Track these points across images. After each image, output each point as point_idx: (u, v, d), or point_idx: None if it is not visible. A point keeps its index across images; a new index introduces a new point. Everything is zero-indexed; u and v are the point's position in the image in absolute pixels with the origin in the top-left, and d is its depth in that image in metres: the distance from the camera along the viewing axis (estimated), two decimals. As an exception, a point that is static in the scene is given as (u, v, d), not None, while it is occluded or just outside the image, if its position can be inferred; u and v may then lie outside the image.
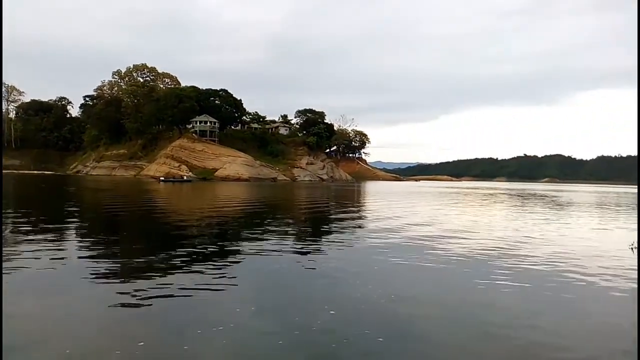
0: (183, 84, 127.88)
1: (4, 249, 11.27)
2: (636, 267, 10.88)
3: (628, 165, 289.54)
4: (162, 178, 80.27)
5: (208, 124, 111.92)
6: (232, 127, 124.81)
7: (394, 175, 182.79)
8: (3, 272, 8.59)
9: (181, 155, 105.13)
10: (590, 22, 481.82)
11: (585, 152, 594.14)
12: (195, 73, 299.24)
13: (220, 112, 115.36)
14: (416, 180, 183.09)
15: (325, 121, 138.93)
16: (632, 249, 13.48)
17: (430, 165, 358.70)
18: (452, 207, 32.66)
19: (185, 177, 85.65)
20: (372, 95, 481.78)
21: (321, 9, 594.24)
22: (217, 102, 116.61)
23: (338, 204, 34.13)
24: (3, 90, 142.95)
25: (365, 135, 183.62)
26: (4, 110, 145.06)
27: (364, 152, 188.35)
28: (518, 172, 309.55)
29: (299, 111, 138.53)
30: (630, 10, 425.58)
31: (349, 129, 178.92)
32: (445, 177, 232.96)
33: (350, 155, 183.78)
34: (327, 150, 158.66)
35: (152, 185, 59.76)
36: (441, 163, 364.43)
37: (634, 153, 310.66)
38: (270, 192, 50.59)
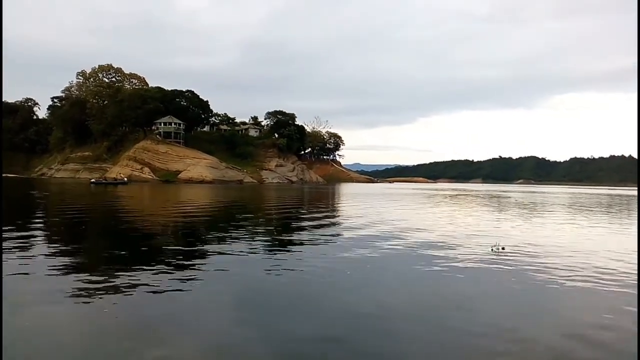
0: (154, 86, 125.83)
1: None
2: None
3: (600, 167, 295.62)
4: (93, 180, 75.19)
5: (173, 125, 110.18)
6: (200, 128, 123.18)
7: (368, 177, 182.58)
8: None
9: (144, 157, 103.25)
10: (562, 28, 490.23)
11: (558, 154, 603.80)
12: (169, 75, 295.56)
13: (186, 114, 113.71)
14: (390, 182, 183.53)
15: (296, 123, 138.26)
16: (493, 249, 12.82)
17: (407, 167, 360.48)
18: (405, 207, 32.68)
19: (118, 179, 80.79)
20: (350, 97, 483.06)
21: (298, 13, 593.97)
22: (183, 103, 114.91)
23: (291, 205, 33.31)
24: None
25: (339, 137, 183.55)
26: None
27: (338, 154, 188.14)
28: (493, 174, 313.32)
29: (269, 113, 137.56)
30: (598, 17, 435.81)
31: (323, 131, 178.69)
32: (421, 179, 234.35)
33: (325, 157, 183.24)
34: (302, 152, 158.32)
35: (82, 189, 54.84)
36: (418, 165, 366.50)
37: (606, 155, 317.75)
38: (228, 194, 49.34)
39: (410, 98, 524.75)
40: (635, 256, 12.80)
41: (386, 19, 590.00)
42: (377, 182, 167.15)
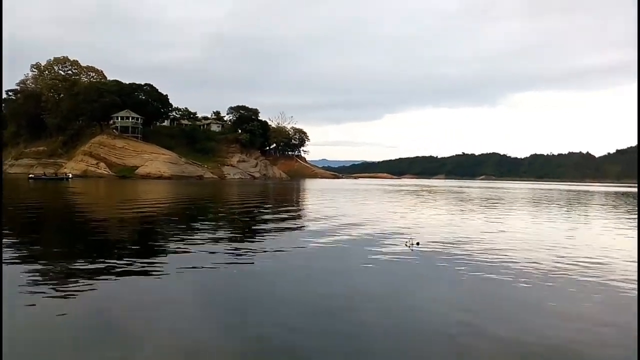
0: (112, 79, 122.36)
1: None
2: None
3: (559, 163, 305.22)
4: (32, 175, 71.99)
5: (130, 119, 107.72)
6: (160, 123, 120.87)
7: (333, 173, 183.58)
8: None
9: (100, 152, 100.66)
10: (526, 28, 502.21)
11: (520, 151, 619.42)
12: (131, 69, 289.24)
13: (145, 108, 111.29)
14: (355, 178, 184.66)
15: (259, 118, 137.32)
16: (407, 245, 12.86)
17: (374, 163, 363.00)
18: (356, 201, 32.65)
19: (59, 175, 75.96)
20: (318, 93, 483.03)
21: (266, 8, 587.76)
22: (142, 97, 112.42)
23: (246, 199, 32.95)
24: None
25: (304, 133, 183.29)
26: None
27: (303, 150, 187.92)
28: (457, 170, 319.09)
29: (232, 108, 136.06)
30: (560, 19, 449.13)
31: (288, 127, 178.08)
32: (385, 174, 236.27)
33: (290, 153, 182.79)
34: (266, 148, 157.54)
35: (19, 185, 52.25)
36: (384, 161, 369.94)
37: (565, 151, 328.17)
38: (184, 190, 48.15)
39: (378, 94, 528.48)
40: (561, 247, 13.28)
41: (356, 16, 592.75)
42: (342, 178, 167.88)
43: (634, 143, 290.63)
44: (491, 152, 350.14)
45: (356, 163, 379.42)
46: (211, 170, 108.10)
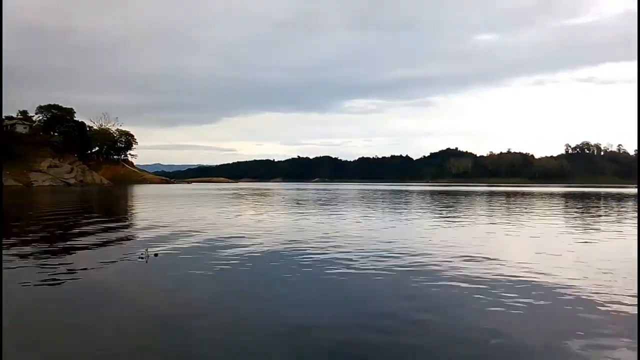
0: None
1: None
2: None
3: (383, 166, 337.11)
4: None
5: None
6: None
7: (164, 178, 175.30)
8: None
9: None
10: (352, 39, 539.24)
11: (350, 154, 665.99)
12: None
13: None
14: (188, 183, 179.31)
15: (76, 119, 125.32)
16: (141, 257, 11.59)
17: (211, 167, 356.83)
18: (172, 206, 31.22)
19: None
20: (150, 94, 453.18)
21: (85, 1, 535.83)
22: None
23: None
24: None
25: (131, 135, 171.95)
26: None
27: (130, 154, 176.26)
28: (293, 173, 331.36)
29: (41, 107, 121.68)
30: (383, 34, 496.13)
31: (113, 129, 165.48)
32: (222, 179, 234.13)
33: (116, 157, 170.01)
34: (88, 152, 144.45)
35: None
36: (222, 165, 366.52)
37: (388, 155, 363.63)
38: None
39: (215, 97, 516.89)
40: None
41: (188, 15, 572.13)
42: (174, 183, 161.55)
43: (444, 147, 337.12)
44: (324, 155, 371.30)
45: (192, 167, 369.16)
46: (14, 177, 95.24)
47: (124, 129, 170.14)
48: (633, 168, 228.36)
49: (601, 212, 30.48)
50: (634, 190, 78.44)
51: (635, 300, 7.70)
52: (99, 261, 11.32)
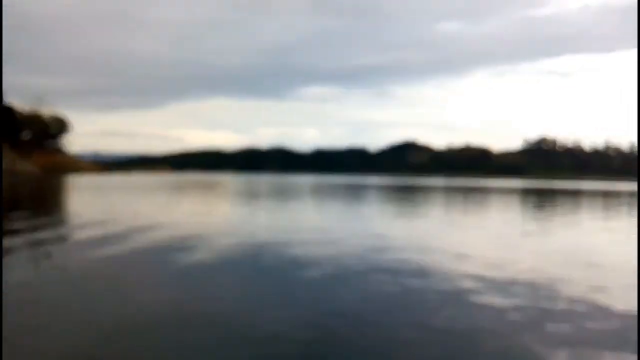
0: None
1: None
2: None
3: (339, 158, 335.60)
4: None
5: None
6: None
7: (102, 167, 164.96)
8: None
9: None
10: (312, 24, 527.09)
11: (305, 145, 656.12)
12: None
13: None
14: (129, 173, 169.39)
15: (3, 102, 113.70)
16: None
17: (156, 157, 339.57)
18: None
19: None
20: (88, 76, 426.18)
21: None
22: None
23: None
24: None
25: (66, 121, 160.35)
26: None
27: (65, 141, 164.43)
28: (245, 164, 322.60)
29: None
30: (343, 20, 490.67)
31: (46, 114, 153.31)
32: (167, 169, 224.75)
33: (48, 144, 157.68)
34: (17, 138, 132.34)
35: None
36: (168, 154, 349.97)
37: (345, 146, 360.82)
38: None
39: (162, 81, 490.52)
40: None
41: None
42: (112, 173, 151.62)
43: (404, 139, 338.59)
44: (277, 146, 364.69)
45: (134, 157, 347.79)
46: None
47: (59, 114, 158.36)
48: (591, 162, 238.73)
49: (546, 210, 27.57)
50: (592, 186, 78.53)
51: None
52: None
